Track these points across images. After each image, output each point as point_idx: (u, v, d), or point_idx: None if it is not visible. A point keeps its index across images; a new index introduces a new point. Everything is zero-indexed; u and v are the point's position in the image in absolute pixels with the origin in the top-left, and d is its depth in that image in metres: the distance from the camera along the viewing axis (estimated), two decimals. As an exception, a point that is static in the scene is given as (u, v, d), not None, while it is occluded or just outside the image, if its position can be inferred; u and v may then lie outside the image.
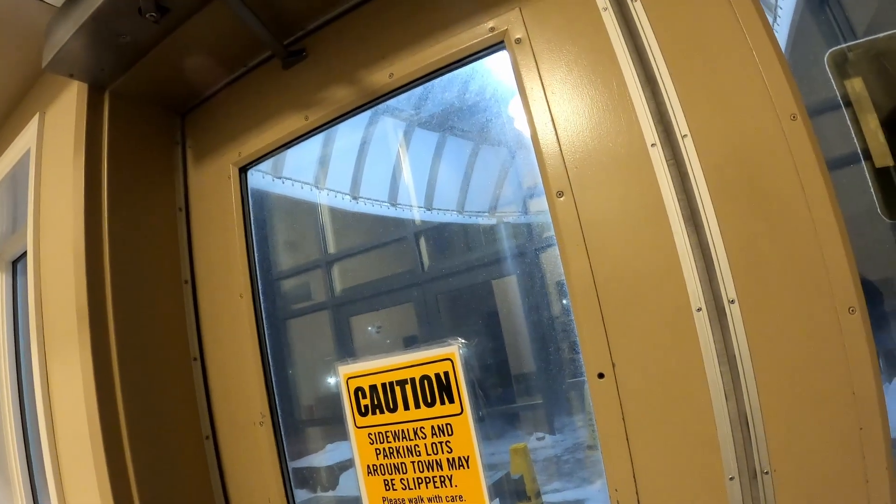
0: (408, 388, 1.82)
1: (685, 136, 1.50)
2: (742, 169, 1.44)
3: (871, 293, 1.49)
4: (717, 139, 1.48)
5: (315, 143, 2.30)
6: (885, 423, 1.29)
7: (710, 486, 1.43)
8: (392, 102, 2.06)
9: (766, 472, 1.38)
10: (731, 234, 1.44)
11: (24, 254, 3.24)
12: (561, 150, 1.66)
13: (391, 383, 1.85)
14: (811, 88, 1.72)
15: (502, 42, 1.82)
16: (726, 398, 1.41)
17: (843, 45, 1.63)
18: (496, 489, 1.75)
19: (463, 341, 1.74)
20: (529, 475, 4.16)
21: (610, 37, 1.64)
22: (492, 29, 1.82)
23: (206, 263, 2.39)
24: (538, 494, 4.52)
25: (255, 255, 2.29)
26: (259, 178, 2.41)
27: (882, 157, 1.54)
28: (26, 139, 2.58)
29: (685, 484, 1.46)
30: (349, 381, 1.93)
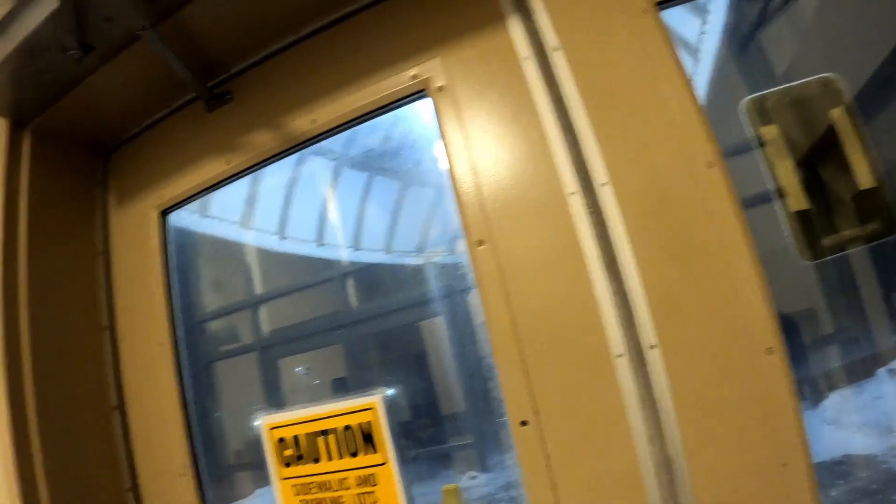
0: (331, 438, 1.79)
1: (604, 184, 1.52)
2: (660, 216, 1.47)
3: (791, 327, 1.53)
4: (636, 187, 1.50)
5: (242, 182, 2.27)
6: (807, 458, 1.32)
7: (637, 532, 1.44)
8: (321, 143, 2.06)
9: (691, 515, 1.40)
10: (650, 279, 1.46)
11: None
12: (481, 198, 1.66)
13: (314, 433, 1.82)
14: (730, 131, 1.78)
15: (424, 90, 1.83)
16: (649, 443, 1.43)
17: (760, 94, 1.68)
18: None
19: (387, 391, 1.73)
20: (461, 516, 4.14)
21: (530, 86, 1.66)
22: (414, 77, 1.83)
23: (127, 308, 2.32)
24: (473, 534, 4.49)
25: (177, 300, 2.24)
26: (185, 217, 2.37)
27: (797, 201, 1.58)
28: (-57, 176, 2.49)
29: (611, 530, 1.47)
30: (272, 430, 1.89)
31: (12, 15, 1.76)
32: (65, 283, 2.20)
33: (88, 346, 2.25)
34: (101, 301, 2.34)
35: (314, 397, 1.88)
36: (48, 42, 1.81)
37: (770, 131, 1.64)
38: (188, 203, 2.29)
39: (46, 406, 1.98)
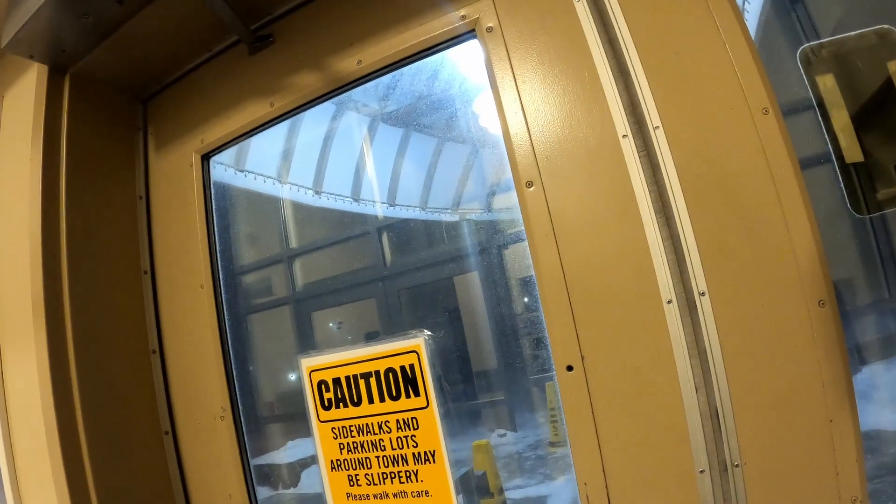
0: (372, 381, 1.79)
1: (657, 127, 1.49)
2: (713, 161, 1.44)
3: (840, 288, 1.50)
4: (689, 131, 1.47)
5: (278, 136, 2.26)
6: (854, 415, 1.30)
7: (681, 479, 1.42)
8: (357, 96, 2.03)
9: (737, 465, 1.38)
10: (701, 226, 1.43)
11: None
12: (531, 140, 1.63)
13: (355, 376, 1.82)
14: (779, 85, 1.73)
15: (473, 31, 1.79)
16: (696, 391, 1.41)
17: (816, 42, 1.63)
18: (459, 485, 1.72)
19: (429, 333, 1.72)
20: (492, 472, 4.17)
21: (583, 27, 1.62)
22: (463, 17, 1.79)
23: (167, 253, 2.34)
24: (501, 491, 4.53)
25: (217, 245, 2.24)
26: (221, 171, 2.37)
27: (852, 154, 1.54)
28: (-17, 121, 2.50)
29: (655, 477, 1.45)
30: (312, 373, 1.89)
31: (52, -43, 1.75)
32: (105, 228, 2.21)
33: (128, 291, 2.27)
34: (142, 245, 2.35)
35: (350, 347, 1.88)
36: (89, -15, 1.79)
37: (826, 81, 1.59)
38: (230, 146, 2.28)
39: (86, 349, 2.01)
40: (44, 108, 2.10)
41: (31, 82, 2.18)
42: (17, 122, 2.23)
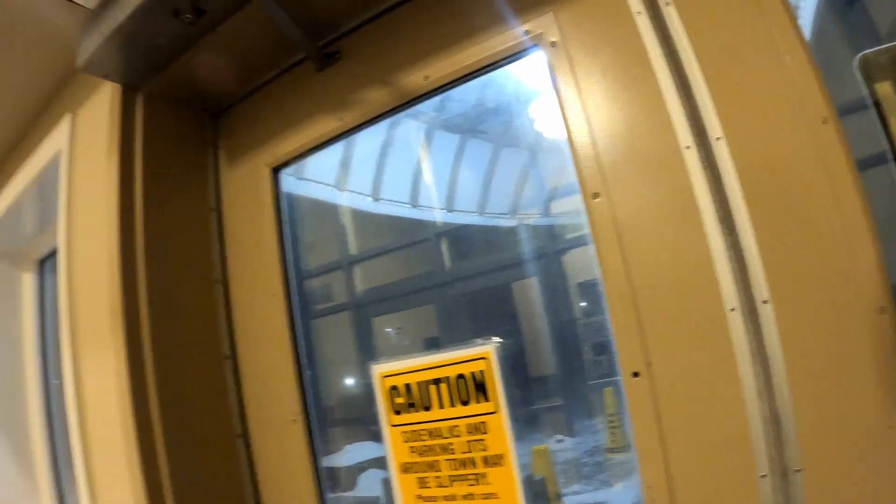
0: (443, 386, 1.84)
1: (719, 138, 1.51)
2: (774, 171, 1.45)
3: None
4: (750, 141, 1.48)
5: (337, 144, 2.32)
6: (916, 422, 1.30)
7: (742, 483, 1.44)
8: (415, 106, 2.08)
9: (798, 470, 1.39)
10: (763, 235, 1.45)
11: (52, 253, 3.29)
12: (596, 152, 1.67)
13: (426, 382, 1.87)
14: (836, 92, 1.73)
15: (537, 45, 1.83)
16: (759, 397, 1.43)
17: (874, 49, 1.63)
18: (522, 491, 1.76)
19: (499, 340, 1.76)
20: (551, 477, 4.19)
21: (644, 40, 1.64)
22: (527, 32, 1.83)
23: (239, 263, 2.42)
24: (559, 496, 4.55)
25: (288, 254, 2.32)
26: (282, 179, 2.44)
27: (911, 160, 1.54)
28: (56, 140, 2.61)
29: (718, 481, 1.47)
30: (384, 379, 1.95)
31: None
32: (179, 239, 2.29)
33: (202, 299, 2.34)
34: (214, 255, 2.43)
35: (420, 353, 1.93)
36: (161, 7, 1.87)
37: (883, 88, 1.59)
38: (300, 160, 2.35)
39: (162, 355, 2.08)
40: (118, 126, 2.19)
41: (104, 101, 2.28)
42: (91, 139, 2.33)
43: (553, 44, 1.78)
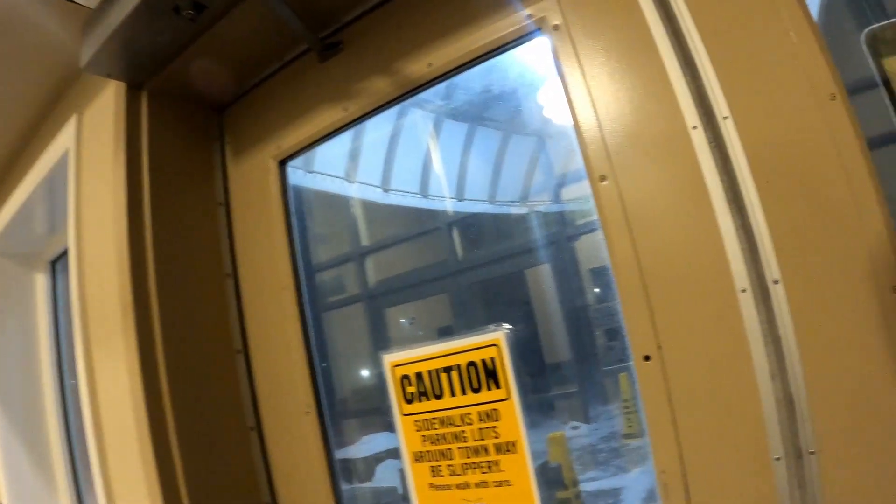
0: (454, 374, 1.83)
1: (726, 118, 1.49)
2: (783, 149, 1.44)
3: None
4: (758, 120, 1.47)
5: (345, 136, 2.30)
6: (929, 401, 1.29)
7: (757, 466, 1.43)
8: (422, 93, 2.07)
9: (812, 452, 1.38)
10: (773, 214, 1.43)
11: (64, 254, 3.31)
12: (602, 135, 1.65)
13: (437, 370, 1.87)
14: (842, 68, 1.71)
15: (540, 29, 1.82)
16: (772, 378, 1.42)
17: (884, 24, 1.61)
18: (535, 477, 1.76)
19: (509, 327, 1.76)
20: (567, 464, 4.18)
21: (647, 20, 1.63)
22: (529, 16, 1.81)
23: (248, 257, 2.42)
24: (575, 483, 4.54)
25: (297, 247, 2.31)
26: (291, 173, 2.44)
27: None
28: (64, 140, 2.61)
29: (732, 464, 1.46)
30: (395, 368, 1.95)
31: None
32: (187, 235, 2.30)
33: (212, 293, 2.35)
34: (224, 250, 2.43)
35: (430, 342, 1.92)
36: (161, 5, 1.86)
37: (891, 63, 1.57)
38: (306, 152, 2.35)
39: (173, 349, 2.09)
40: (124, 124, 2.19)
41: (109, 99, 2.28)
42: (97, 138, 2.33)
43: (556, 27, 1.76)
